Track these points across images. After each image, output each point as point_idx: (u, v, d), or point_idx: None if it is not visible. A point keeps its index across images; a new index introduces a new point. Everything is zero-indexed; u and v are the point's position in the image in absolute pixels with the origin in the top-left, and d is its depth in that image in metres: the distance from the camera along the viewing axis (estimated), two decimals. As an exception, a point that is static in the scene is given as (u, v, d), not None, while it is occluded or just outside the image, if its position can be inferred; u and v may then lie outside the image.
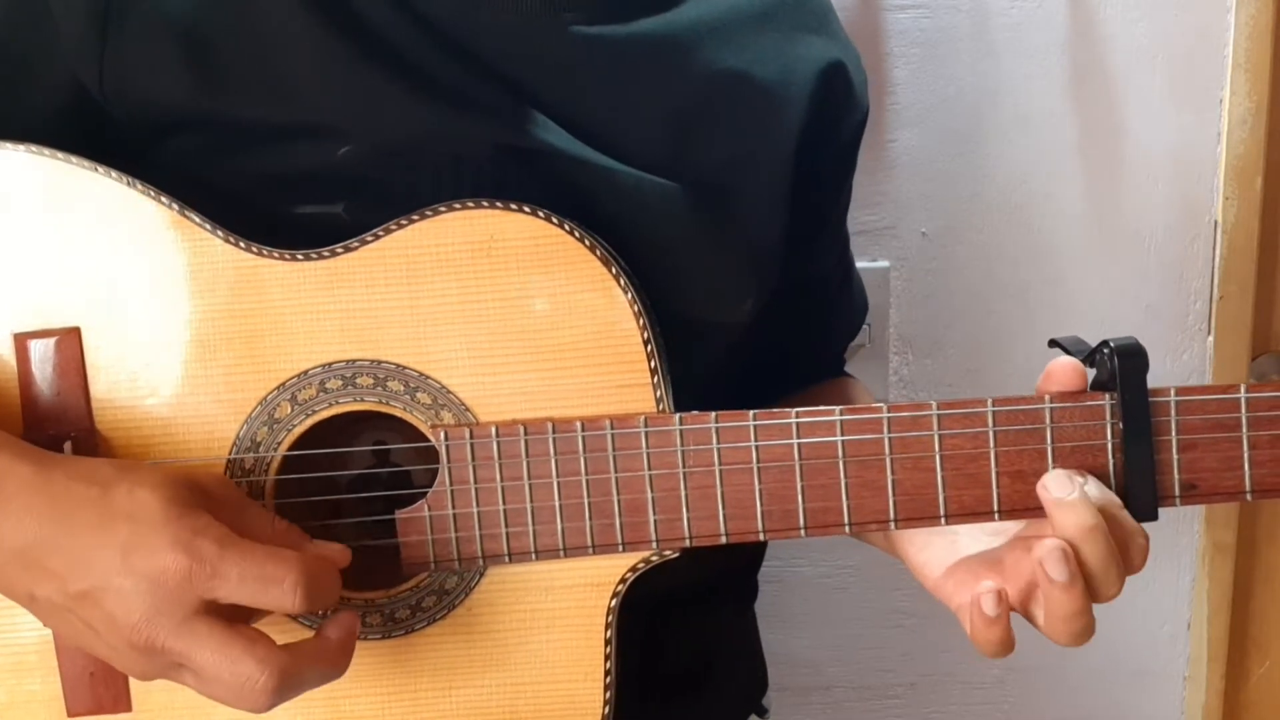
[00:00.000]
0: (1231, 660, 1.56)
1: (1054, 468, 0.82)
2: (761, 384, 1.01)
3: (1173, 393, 0.82)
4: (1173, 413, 0.82)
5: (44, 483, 0.74)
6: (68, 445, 0.80)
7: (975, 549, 0.85)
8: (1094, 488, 0.80)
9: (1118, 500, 0.80)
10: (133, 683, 0.84)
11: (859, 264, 1.14)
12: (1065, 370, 0.82)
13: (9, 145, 0.82)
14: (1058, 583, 0.77)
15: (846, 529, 0.83)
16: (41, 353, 0.82)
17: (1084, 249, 1.45)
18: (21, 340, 0.82)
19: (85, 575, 0.72)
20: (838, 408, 0.82)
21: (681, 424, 0.82)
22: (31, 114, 0.86)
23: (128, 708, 0.84)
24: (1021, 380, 1.44)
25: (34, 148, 0.82)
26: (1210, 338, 1.46)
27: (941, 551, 0.86)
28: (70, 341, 0.82)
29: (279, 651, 0.73)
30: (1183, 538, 1.52)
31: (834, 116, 0.96)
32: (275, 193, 0.86)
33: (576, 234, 0.81)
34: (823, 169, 0.97)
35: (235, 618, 0.74)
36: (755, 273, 0.94)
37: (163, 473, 0.75)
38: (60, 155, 0.81)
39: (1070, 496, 0.79)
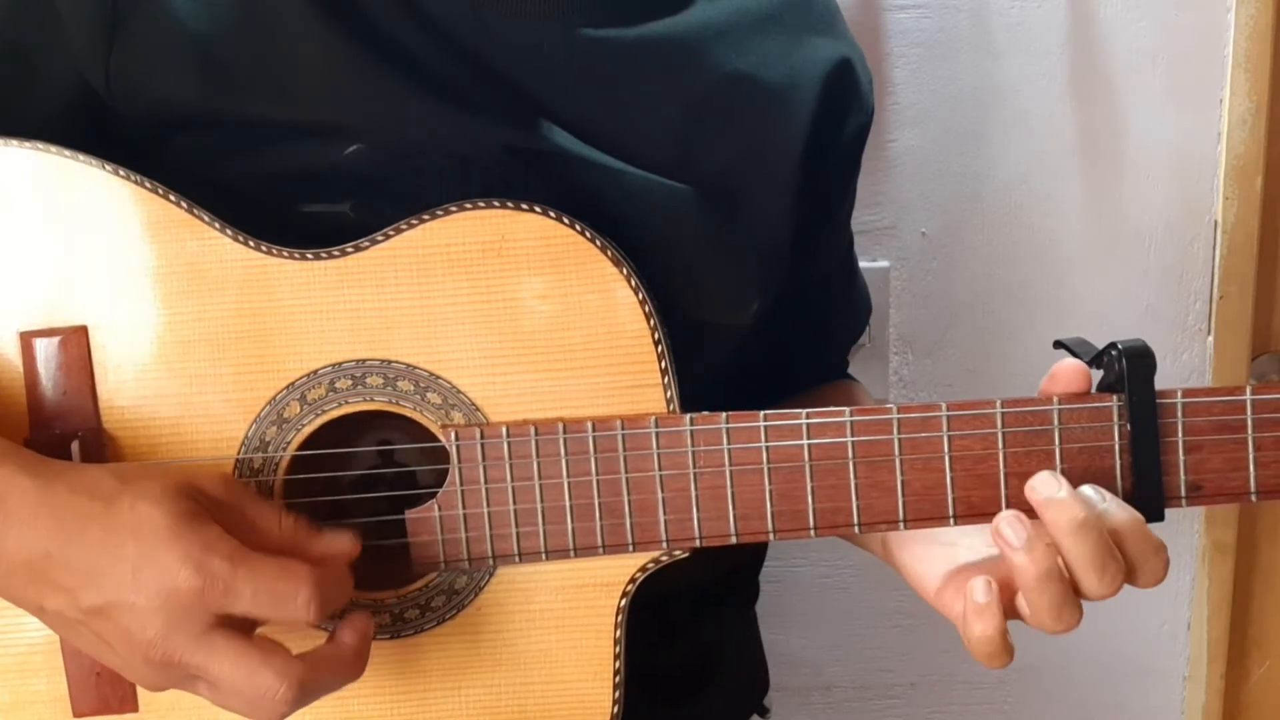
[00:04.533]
0: (1231, 660, 1.56)
1: (1061, 469, 0.82)
2: (764, 385, 1.01)
3: (1179, 394, 0.82)
4: (1179, 414, 0.82)
5: (47, 495, 0.74)
6: (75, 444, 0.80)
7: (973, 559, 0.85)
8: (1113, 504, 0.80)
9: (1139, 516, 0.80)
10: (139, 683, 0.84)
11: (859, 264, 1.14)
12: (1070, 372, 0.83)
13: (16, 143, 0.81)
14: (1018, 549, 0.77)
15: (856, 529, 0.83)
16: (47, 351, 0.82)
17: (1084, 249, 1.45)
18: (27, 339, 0.82)
19: (97, 591, 0.72)
20: (848, 408, 0.82)
21: (692, 424, 0.82)
22: (38, 112, 0.86)
23: (134, 708, 0.84)
24: (1021, 380, 1.44)
25: (41, 145, 0.81)
26: (1210, 338, 1.46)
27: (939, 563, 0.86)
28: (77, 340, 0.82)
29: (296, 662, 0.73)
30: (1183, 537, 1.52)
31: (840, 114, 0.96)
32: (282, 191, 0.85)
33: (587, 234, 0.81)
34: (828, 170, 0.97)
35: (248, 626, 0.74)
36: (761, 275, 0.94)
37: (163, 482, 0.75)
38: (68, 153, 0.81)
39: (1051, 492, 0.79)
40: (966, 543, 0.86)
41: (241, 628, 0.73)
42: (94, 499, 0.74)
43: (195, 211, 0.81)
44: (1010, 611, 0.81)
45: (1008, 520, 0.78)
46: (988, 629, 0.79)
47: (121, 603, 0.72)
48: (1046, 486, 0.79)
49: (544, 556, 0.83)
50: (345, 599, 0.77)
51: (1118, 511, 0.79)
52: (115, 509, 0.73)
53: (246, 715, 0.75)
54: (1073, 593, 0.79)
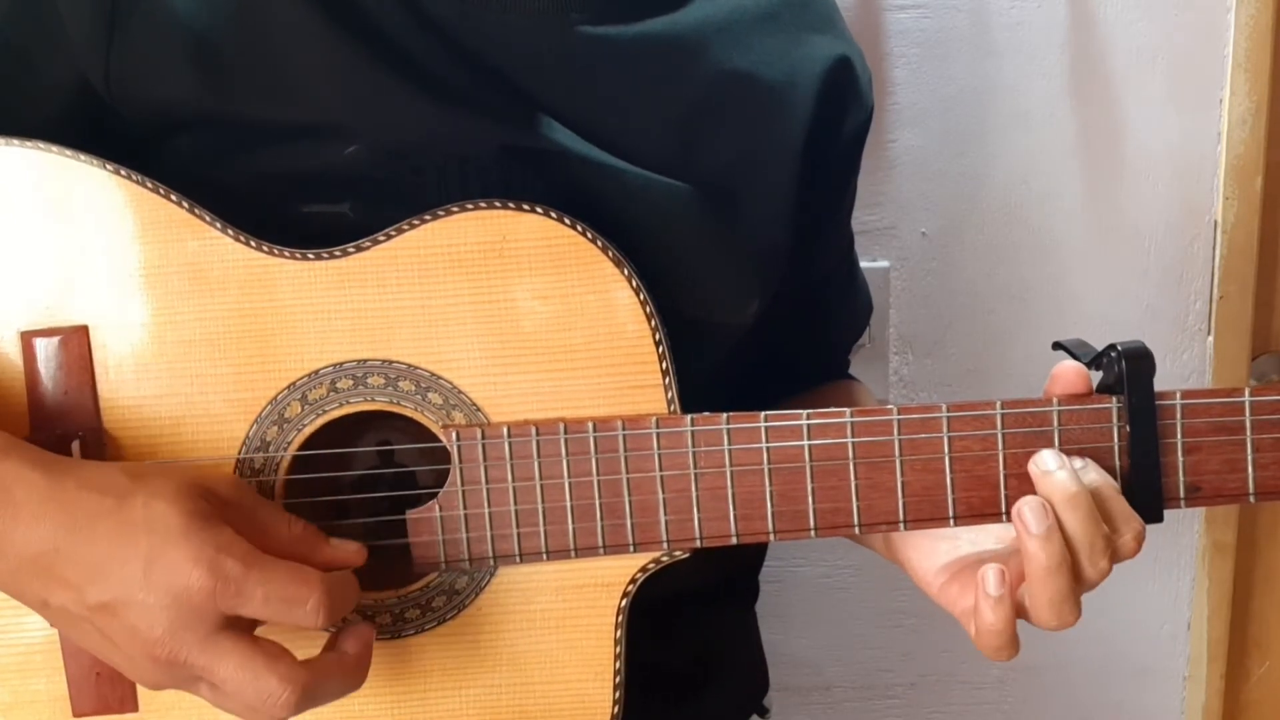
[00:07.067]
0: (1231, 660, 1.56)
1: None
2: (764, 385, 1.01)
3: (1178, 396, 0.83)
4: (1178, 416, 0.83)
5: (56, 490, 0.73)
6: (75, 444, 0.80)
7: (976, 554, 0.86)
8: (1093, 472, 0.81)
9: (1114, 484, 0.81)
10: (139, 683, 0.84)
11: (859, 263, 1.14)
12: (1069, 374, 0.83)
13: (17, 142, 0.81)
14: (1036, 536, 0.78)
15: (856, 530, 0.83)
16: (48, 351, 0.82)
17: (1084, 249, 1.45)
18: (28, 338, 0.82)
19: (104, 588, 0.72)
20: (848, 409, 0.82)
21: (693, 425, 0.82)
22: (38, 112, 0.86)
23: (134, 708, 0.84)
24: (1021, 380, 1.44)
25: (42, 144, 0.81)
26: (1210, 338, 1.46)
27: (943, 558, 0.87)
28: (78, 339, 0.82)
29: (300, 668, 0.73)
30: (1183, 538, 1.52)
31: (840, 112, 0.96)
32: (281, 192, 0.85)
33: (588, 235, 0.81)
34: (828, 168, 0.97)
35: (251, 627, 0.74)
36: (760, 273, 0.94)
37: (176, 481, 0.75)
38: (69, 152, 0.81)
39: (1051, 467, 0.80)
40: (970, 537, 0.87)
41: (245, 629, 0.74)
42: (105, 495, 0.73)
43: (196, 211, 0.81)
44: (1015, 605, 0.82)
45: (1031, 506, 0.79)
46: (999, 621, 0.80)
47: (130, 600, 0.72)
48: (1048, 462, 0.81)
49: (545, 557, 0.83)
50: (351, 605, 0.78)
51: (1094, 476, 0.81)
52: (128, 505, 0.73)
53: (244, 718, 0.75)
54: (1075, 589, 0.80)
